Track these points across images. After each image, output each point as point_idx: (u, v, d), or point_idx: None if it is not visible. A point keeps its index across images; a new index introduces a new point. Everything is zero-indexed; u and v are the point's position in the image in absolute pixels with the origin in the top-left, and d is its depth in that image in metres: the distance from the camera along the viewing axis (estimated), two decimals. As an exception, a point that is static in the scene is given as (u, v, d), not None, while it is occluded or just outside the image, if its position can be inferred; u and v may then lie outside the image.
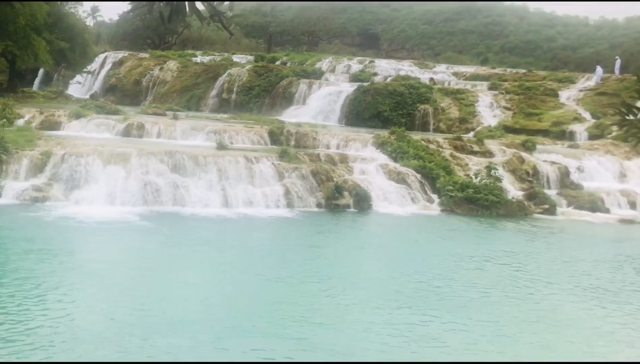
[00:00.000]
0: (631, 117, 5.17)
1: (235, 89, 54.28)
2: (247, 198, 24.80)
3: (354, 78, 54.80)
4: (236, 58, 66.06)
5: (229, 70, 56.72)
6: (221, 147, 28.03)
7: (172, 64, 60.92)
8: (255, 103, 52.44)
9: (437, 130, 45.43)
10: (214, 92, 55.35)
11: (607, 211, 30.84)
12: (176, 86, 57.51)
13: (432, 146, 32.95)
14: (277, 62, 63.21)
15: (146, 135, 30.58)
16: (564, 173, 33.48)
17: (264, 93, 52.89)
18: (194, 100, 55.13)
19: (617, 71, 55.34)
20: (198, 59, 65.09)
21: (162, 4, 3.30)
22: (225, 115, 42.70)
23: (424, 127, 45.90)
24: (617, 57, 60.89)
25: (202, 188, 24.51)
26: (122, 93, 58.10)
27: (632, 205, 32.21)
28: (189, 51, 73.10)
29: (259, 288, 15.30)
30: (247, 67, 57.49)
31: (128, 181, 23.58)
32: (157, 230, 20.56)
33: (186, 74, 58.58)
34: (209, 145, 28.98)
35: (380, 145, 32.19)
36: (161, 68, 60.49)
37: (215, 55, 67.78)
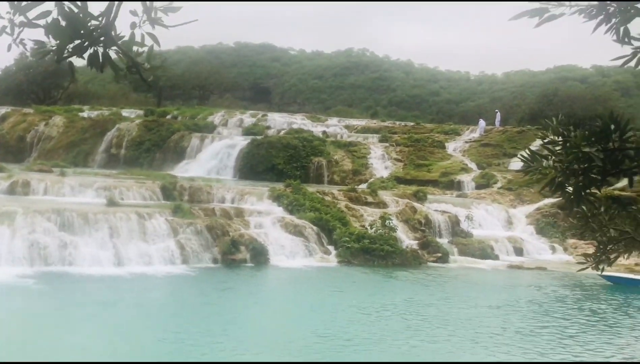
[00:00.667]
0: (534, 164, 5.28)
1: (124, 144, 53.11)
2: (140, 256, 23.96)
3: (247, 131, 54.75)
4: (125, 112, 64.77)
5: (117, 125, 55.53)
6: (112, 203, 27.12)
7: (58, 119, 59.07)
8: (145, 158, 51.42)
9: (331, 182, 45.92)
10: (102, 147, 53.95)
11: (496, 257, 31.83)
12: (62, 142, 55.68)
13: (327, 198, 33.15)
14: (168, 116, 62.44)
15: (32, 193, 29.22)
16: (455, 222, 34.40)
17: (154, 148, 51.97)
18: (81, 155, 53.49)
19: (497, 123, 57.98)
20: (85, 114, 63.38)
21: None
22: (115, 171, 41.55)
23: (319, 179, 46.32)
24: (496, 110, 63.96)
25: (93, 246, 23.49)
26: (4, 150, 55.56)
27: (519, 252, 33.43)
28: (76, 106, 71.02)
29: (151, 350, 14.61)
30: (137, 121, 56.49)
31: (13, 241, 22.30)
32: (45, 292, 19.45)
33: (73, 129, 56.88)
34: (98, 201, 27.94)
35: (276, 198, 32.10)
36: (46, 124, 58.50)
37: (103, 110, 66.22)
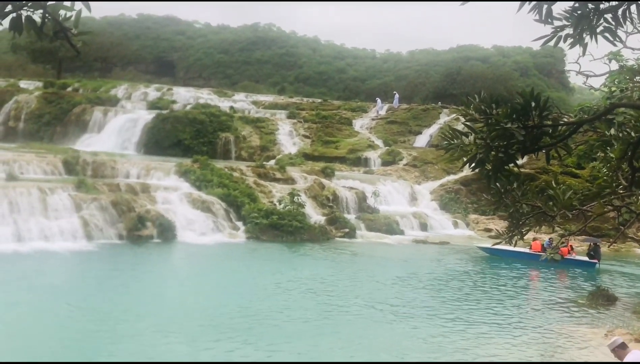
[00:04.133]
0: (455, 141, 5.36)
1: (23, 117, 50.91)
2: (41, 232, 23.15)
3: (152, 105, 53.48)
4: (23, 84, 62.08)
5: (15, 97, 53.10)
6: (11, 177, 26.02)
7: (-51, 90, 56.00)
8: (45, 131, 49.50)
9: (239, 158, 45.60)
10: (-1, 120, 51.56)
11: (402, 233, 32.58)
12: (-45, 113, 52.82)
13: (235, 174, 32.91)
14: (69, 89, 60.28)
15: None
16: (362, 198, 34.90)
17: (55, 121, 50.05)
18: (-24, 128, 50.96)
19: (395, 104, 58.30)
20: (-20, 85, 60.34)
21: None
22: (14, 144, 39.85)
23: (226, 155, 45.89)
24: (394, 91, 64.67)
25: (-9, 222, 22.52)
26: None
27: (423, 227, 34.33)
28: (-31, 76, 67.59)
29: (52, 331, 14.10)
30: (36, 93, 54.21)
31: None
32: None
33: (-34, 101, 54.02)
34: (-4, 176, 26.74)
35: (183, 173, 31.62)
36: (-63, 95, 55.28)
37: (-1, 81, 63.27)
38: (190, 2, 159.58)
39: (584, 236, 27.93)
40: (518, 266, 26.79)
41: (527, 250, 27.30)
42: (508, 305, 19.49)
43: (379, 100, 59.00)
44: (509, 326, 16.90)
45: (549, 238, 27.33)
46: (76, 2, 2.96)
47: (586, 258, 27.53)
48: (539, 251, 27.20)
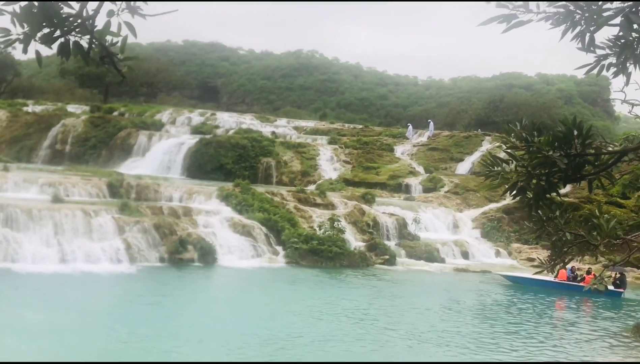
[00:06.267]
0: (496, 169, 5.32)
1: (70, 140, 52.03)
2: (85, 254, 23.49)
3: (195, 130, 54.20)
4: (71, 108, 63.48)
5: (63, 121, 54.36)
6: (57, 199, 26.52)
7: (1, 114, 57.54)
8: (91, 154, 50.49)
9: (280, 182, 45.81)
10: (46, 143, 52.76)
11: (442, 260, 32.27)
12: (5, 136, 54.26)
13: (276, 198, 33.06)
14: (115, 113, 61.41)
15: (-27, 188, 28.37)
16: (402, 225, 34.70)
17: (100, 145, 51.05)
18: (25, 151, 52.24)
19: (430, 132, 57.61)
20: (29, 109, 61.92)
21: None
22: (60, 167, 40.67)
23: (267, 180, 46.17)
24: (429, 120, 63.95)
25: (37, 243, 22.94)
26: (-56, 144, 53.93)
27: (465, 255, 33.94)
28: (20, 100, 69.35)
29: (97, 351, 14.26)
30: (83, 117, 55.40)
31: (-48, 237, 21.63)
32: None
33: (16, 124, 55.45)
34: (43, 198, 27.28)
35: (225, 197, 31.86)
36: (-11, 118, 56.90)
37: (48, 105, 64.78)
38: (235, 29, 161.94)
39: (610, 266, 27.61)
40: (546, 295, 26.61)
41: (551, 279, 27.05)
42: (555, 336, 19.13)
43: (410, 127, 58.95)
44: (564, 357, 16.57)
45: (572, 267, 27.00)
46: (122, 28, 3.04)
47: (612, 287, 27.11)
48: (564, 280, 27.17)
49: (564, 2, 4.30)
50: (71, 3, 2.95)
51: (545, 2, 4.38)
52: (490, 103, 78.19)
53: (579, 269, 28.20)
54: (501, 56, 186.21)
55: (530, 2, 4.41)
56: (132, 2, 2.95)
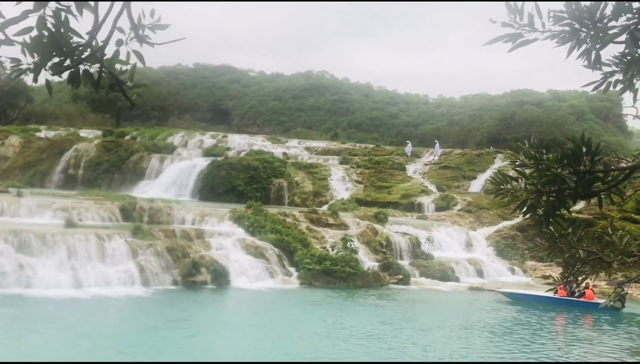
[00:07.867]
0: (505, 186, 5.34)
1: (82, 164, 52.39)
2: (99, 278, 23.54)
3: (207, 152, 54.60)
4: (83, 133, 64.05)
5: (75, 145, 54.79)
6: (70, 224, 26.64)
7: (14, 139, 58.10)
8: (104, 179, 50.80)
9: (292, 203, 45.86)
10: (59, 168, 53.14)
11: (457, 279, 32.08)
12: (19, 162, 54.72)
13: (288, 219, 33.07)
14: (127, 137, 61.89)
15: (-13, 214, 28.57)
16: (415, 244, 34.59)
17: (113, 169, 51.40)
18: (38, 176, 52.63)
19: (436, 154, 57.56)
20: (42, 134, 62.51)
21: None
22: (73, 192, 40.91)
23: (279, 201, 46.24)
24: (435, 140, 63.77)
25: (51, 268, 23.01)
26: (-42, 171, 54.45)
27: (479, 274, 33.74)
28: (32, 126, 70.05)
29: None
30: (95, 141, 55.83)
31: (-33, 263, 21.74)
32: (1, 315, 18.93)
33: (29, 149, 55.97)
34: (56, 222, 27.43)
35: (237, 219, 31.93)
36: (2, 144, 57.51)
37: (60, 130, 65.39)
38: (245, 52, 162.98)
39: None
40: (544, 311, 26.38)
41: (551, 295, 26.92)
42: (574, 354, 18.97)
43: (409, 144, 59.32)
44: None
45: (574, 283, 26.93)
46: (131, 56, 3.09)
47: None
48: (564, 296, 27.04)
49: (569, 21, 4.33)
50: (80, 33, 3.01)
51: (550, 21, 4.41)
52: (502, 120, 78.18)
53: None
54: (512, 73, 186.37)
55: (535, 21, 4.45)
56: (140, 32, 3.01)
